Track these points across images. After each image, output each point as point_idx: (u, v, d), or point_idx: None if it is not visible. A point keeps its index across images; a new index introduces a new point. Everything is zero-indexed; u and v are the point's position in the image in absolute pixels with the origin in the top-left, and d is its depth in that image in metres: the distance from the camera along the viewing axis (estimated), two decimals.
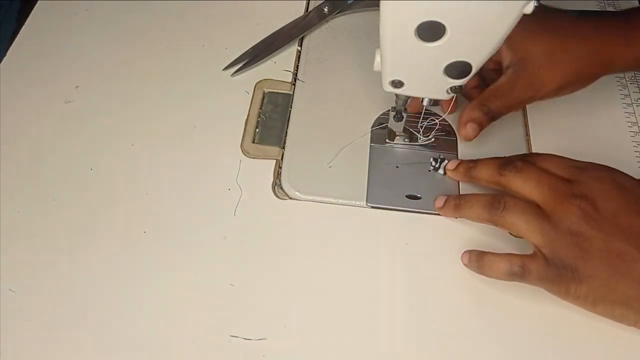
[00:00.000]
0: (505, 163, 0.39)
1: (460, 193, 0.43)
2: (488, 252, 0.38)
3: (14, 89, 0.49)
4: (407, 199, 0.43)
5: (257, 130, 0.47)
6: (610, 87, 0.49)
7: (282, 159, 0.45)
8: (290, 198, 0.43)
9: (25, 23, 0.53)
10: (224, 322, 0.37)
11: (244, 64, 0.50)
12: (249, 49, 0.51)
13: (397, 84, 0.37)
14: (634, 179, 0.37)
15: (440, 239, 0.41)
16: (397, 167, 0.44)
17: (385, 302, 0.38)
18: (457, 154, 0.45)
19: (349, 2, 0.54)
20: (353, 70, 0.50)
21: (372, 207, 0.43)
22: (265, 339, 0.37)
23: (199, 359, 0.36)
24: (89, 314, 0.38)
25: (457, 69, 0.35)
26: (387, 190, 0.43)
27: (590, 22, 0.41)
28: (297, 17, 0.53)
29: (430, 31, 0.32)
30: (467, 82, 0.42)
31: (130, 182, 0.43)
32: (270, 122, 0.48)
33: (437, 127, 0.45)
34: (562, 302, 0.36)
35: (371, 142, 0.46)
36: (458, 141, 0.46)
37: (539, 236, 0.35)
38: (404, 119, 0.43)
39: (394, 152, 0.45)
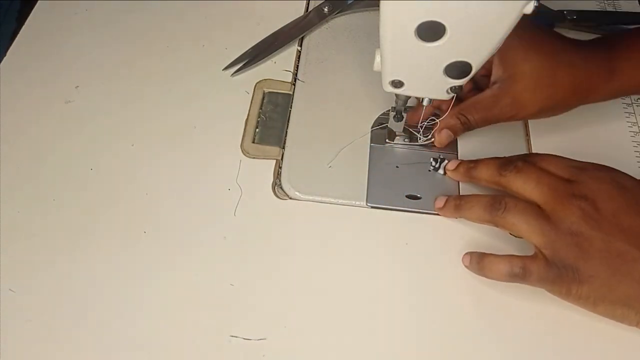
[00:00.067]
0: (505, 163, 0.39)
1: (460, 193, 0.43)
2: (489, 254, 0.38)
3: (14, 89, 0.49)
4: (407, 199, 0.43)
5: (257, 130, 0.47)
6: None
7: (282, 159, 0.45)
8: (290, 198, 0.43)
9: (25, 23, 0.53)
10: (224, 322, 0.37)
11: (244, 64, 0.50)
12: (249, 49, 0.51)
13: (397, 84, 0.37)
14: (634, 179, 0.37)
15: (440, 239, 0.41)
16: (397, 167, 0.44)
17: (385, 302, 0.38)
18: (457, 154, 0.45)
19: (349, 2, 0.54)
20: (353, 70, 0.50)
21: (372, 207, 0.43)
22: (265, 339, 0.37)
23: (199, 359, 0.36)
24: (89, 314, 0.38)
25: (457, 69, 0.35)
26: (387, 190, 0.43)
27: (581, 52, 0.41)
28: (297, 17, 0.53)
29: (430, 31, 0.32)
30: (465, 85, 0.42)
31: (130, 182, 0.43)
32: (270, 122, 0.48)
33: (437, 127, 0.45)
34: (562, 302, 0.36)
35: (371, 142, 0.46)
36: (458, 141, 0.46)
37: (540, 237, 0.35)
38: (404, 119, 0.43)
39: (394, 152, 0.45)
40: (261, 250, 0.40)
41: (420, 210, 0.42)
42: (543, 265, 0.35)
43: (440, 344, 0.37)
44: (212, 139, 0.46)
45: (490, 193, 0.40)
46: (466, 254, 0.39)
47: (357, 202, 0.43)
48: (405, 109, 0.42)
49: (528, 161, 0.38)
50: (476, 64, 0.34)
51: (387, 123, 0.45)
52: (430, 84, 0.37)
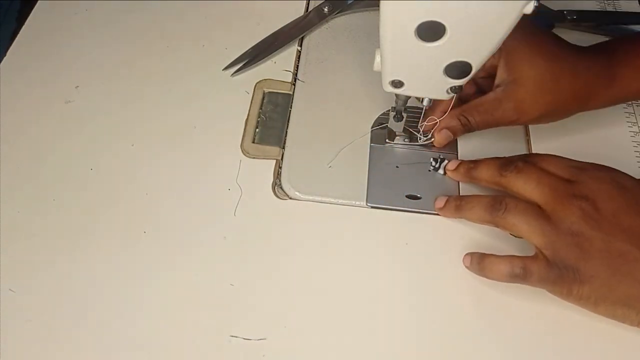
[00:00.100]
0: (505, 164, 0.39)
1: (461, 193, 0.43)
2: (489, 255, 0.38)
3: (14, 89, 0.49)
4: (407, 199, 0.43)
5: (257, 130, 0.47)
6: None
7: (282, 159, 0.45)
8: (290, 198, 0.43)
9: (25, 23, 0.53)
10: (224, 322, 0.37)
11: (244, 64, 0.50)
12: (249, 49, 0.51)
13: (397, 84, 0.37)
14: (634, 178, 0.37)
15: (441, 239, 0.41)
16: (397, 167, 0.44)
17: (385, 302, 0.38)
18: (457, 154, 0.45)
19: (349, 2, 0.54)
20: (353, 70, 0.50)
21: (372, 207, 0.43)
22: (265, 339, 0.37)
23: (199, 359, 0.36)
24: (89, 314, 0.38)
25: (457, 69, 0.35)
26: (387, 190, 0.43)
27: (582, 58, 0.41)
28: (297, 17, 0.53)
29: (430, 31, 0.32)
30: (466, 88, 0.42)
31: (130, 182, 0.43)
32: (270, 122, 0.48)
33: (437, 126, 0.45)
34: (562, 302, 0.36)
35: (371, 142, 0.46)
36: (458, 141, 0.46)
37: (540, 237, 0.35)
38: (404, 119, 0.43)
39: (394, 152, 0.45)
40: (261, 250, 0.40)
41: (420, 210, 0.42)
42: (544, 266, 0.35)
43: (440, 344, 0.37)
44: (212, 139, 0.46)
45: (491, 193, 0.40)
46: (467, 254, 0.39)
47: (357, 202, 0.43)
48: (405, 109, 0.42)
49: (528, 161, 0.38)
50: (476, 64, 0.34)
51: (387, 123, 0.45)
52: (430, 84, 0.37)
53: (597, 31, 0.53)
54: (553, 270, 0.35)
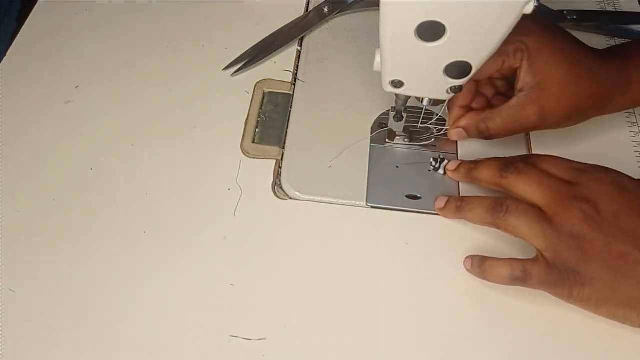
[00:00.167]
0: (506, 165, 0.39)
1: (461, 194, 0.43)
2: (490, 258, 0.38)
3: (14, 89, 0.49)
4: (407, 199, 0.43)
5: (257, 130, 0.47)
6: None
7: (282, 159, 0.45)
8: (290, 198, 0.43)
9: (25, 23, 0.53)
10: (224, 322, 0.37)
11: (244, 64, 0.50)
12: (249, 49, 0.51)
13: (397, 84, 0.37)
14: (635, 180, 0.37)
15: (441, 239, 0.41)
16: (397, 167, 0.44)
17: (385, 302, 0.38)
18: (457, 154, 0.45)
19: (349, 2, 0.54)
20: (353, 70, 0.50)
21: (372, 207, 0.43)
22: (265, 339, 0.37)
23: (199, 359, 0.36)
24: (89, 314, 0.38)
25: (457, 69, 0.35)
26: (387, 190, 0.43)
27: (601, 62, 0.40)
28: (297, 17, 0.53)
29: (430, 31, 0.32)
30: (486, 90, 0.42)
31: (130, 182, 0.43)
32: (270, 122, 0.48)
33: (437, 127, 0.45)
34: (562, 302, 0.36)
35: (371, 142, 0.46)
36: (458, 141, 0.46)
37: (541, 240, 0.35)
38: (404, 119, 0.43)
39: (394, 152, 0.45)
40: (261, 250, 0.40)
41: (420, 210, 0.42)
42: (544, 268, 0.35)
43: (440, 344, 0.37)
44: (212, 139, 0.46)
45: (491, 194, 0.40)
46: (467, 257, 0.39)
47: (357, 202, 0.43)
48: (405, 109, 0.42)
49: (529, 162, 0.38)
50: (476, 64, 0.34)
51: (387, 123, 0.45)
52: (430, 84, 0.37)
53: (597, 31, 0.53)
54: (553, 273, 0.35)
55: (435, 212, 0.42)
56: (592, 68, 0.40)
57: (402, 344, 0.37)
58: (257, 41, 0.51)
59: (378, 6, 0.31)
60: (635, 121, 0.47)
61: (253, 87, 0.49)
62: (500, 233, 0.38)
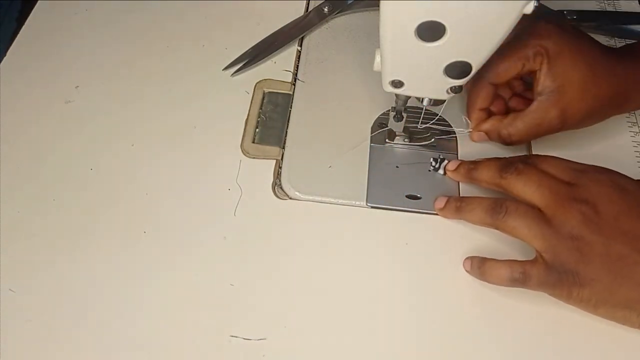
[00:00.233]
0: (506, 165, 0.38)
1: (461, 194, 0.43)
2: (489, 259, 0.38)
3: (14, 89, 0.49)
4: (407, 199, 0.43)
5: (257, 130, 0.47)
6: None
7: (282, 159, 0.45)
8: (290, 198, 0.43)
9: (25, 23, 0.53)
10: (224, 322, 0.37)
11: (244, 64, 0.50)
12: (249, 49, 0.51)
13: (397, 84, 0.37)
14: (635, 181, 0.37)
15: (441, 239, 0.41)
16: (397, 167, 0.44)
17: (385, 302, 0.38)
18: (457, 154, 0.45)
19: (349, 2, 0.54)
20: (353, 70, 0.50)
21: (372, 207, 0.43)
22: (265, 339, 0.37)
23: (199, 359, 0.36)
24: (89, 314, 0.38)
25: (457, 69, 0.35)
26: (387, 190, 0.43)
27: (619, 63, 0.40)
28: (297, 17, 0.53)
29: (430, 31, 0.32)
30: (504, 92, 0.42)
31: (130, 182, 0.43)
32: (270, 122, 0.48)
33: (437, 127, 0.45)
34: (562, 302, 0.36)
35: (371, 142, 0.46)
36: (458, 141, 0.46)
37: (541, 241, 0.35)
38: (404, 119, 0.43)
39: (394, 152, 0.45)
40: (261, 250, 0.40)
41: (420, 210, 0.42)
42: (543, 270, 0.35)
43: (440, 344, 0.37)
44: (212, 139, 0.46)
45: (491, 194, 0.40)
46: (467, 258, 0.39)
47: (357, 202, 0.43)
48: (405, 109, 0.42)
49: (528, 163, 0.38)
50: (476, 64, 0.34)
51: (387, 123, 0.45)
52: (430, 84, 0.37)
53: (597, 31, 0.53)
54: (552, 274, 0.35)
55: (435, 212, 0.42)
56: (611, 68, 0.40)
57: (402, 344, 0.37)
58: (257, 41, 0.51)
59: (378, 6, 0.31)
60: (635, 121, 0.47)
61: (253, 87, 0.49)
62: (500, 233, 0.38)
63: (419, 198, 0.43)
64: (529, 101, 0.42)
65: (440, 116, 0.45)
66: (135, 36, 0.52)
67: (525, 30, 0.40)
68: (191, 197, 0.43)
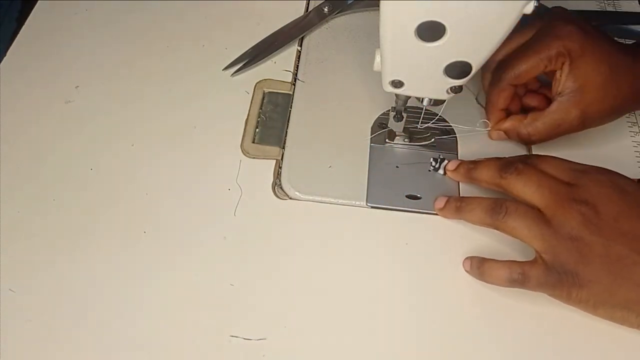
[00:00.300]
0: (505, 165, 0.38)
1: (461, 193, 0.43)
2: (489, 259, 0.38)
3: (14, 89, 0.49)
4: (407, 199, 0.43)
5: (257, 130, 0.47)
6: None
7: (282, 159, 0.45)
8: (290, 198, 0.43)
9: (25, 23, 0.53)
10: (224, 322, 0.37)
11: (244, 64, 0.50)
12: (249, 49, 0.51)
13: (397, 84, 0.37)
14: (635, 182, 0.37)
15: (441, 239, 0.41)
16: (397, 167, 0.44)
17: (385, 302, 0.38)
18: (457, 154, 0.45)
19: (349, 2, 0.54)
20: (353, 70, 0.50)
21: (372, 207, 0.43)
22: (265, 339, 0.37)
23: (199, 359, 0.36)
24: (89, 314, 0.38)
25: (457, 69, 0.35)
26: (387, 190, 0.43)
27: (635, 59, 0.40)
28: (297, 17, 0.53)
29: (430, 31, 0.32)
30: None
31: (130, 182, 0.43)
32: (270, 122, 0.48)
33: (437, 127, 0.45)
34: (562, 303, 0.36)
35: (371, 142, 0.46)
36: (458, 141, 0.46)
37: (540, 242, 0.35)
38: (404, 119, 0.43)
39: (394, 152, 0.45)
40: (261, 250, 0.40)
41: (420, 210, 0.42)
42: (542, 270, 0.35)
43: (440, 344, 0.37)
44: (212, 139, 0.46)
45: (491, 194, 0.40)
46: (466, 259, 0.39)
47: (357, 202, 0.43)
48: (405, 109, 0.42)
49: (528, 163, 0.38)
50: (476, 64, 0.34)
51: (387, 123, 0.45)
52: (430, 84, 0.37)
53: None
54: (552, 275, 0.35)
55: (435, 212, 0.42)
56: (629, 67, 0.40)
57: (402, 344, 0.37)
58: (257, 41, 0.51)
59: (378, 6, 0.31)
60: (635, 121, 0.47)
61: (253, 87, 0.49)
62: (500, 234, 0.38)
63: (419, 198, 0.43)
64: (543, 97, 0.42)
65: (440, 116, 0.45)
66: (135, 36, 0.52)
67: (544, 31, 0.40)
68: (191, 197, 0.43)
